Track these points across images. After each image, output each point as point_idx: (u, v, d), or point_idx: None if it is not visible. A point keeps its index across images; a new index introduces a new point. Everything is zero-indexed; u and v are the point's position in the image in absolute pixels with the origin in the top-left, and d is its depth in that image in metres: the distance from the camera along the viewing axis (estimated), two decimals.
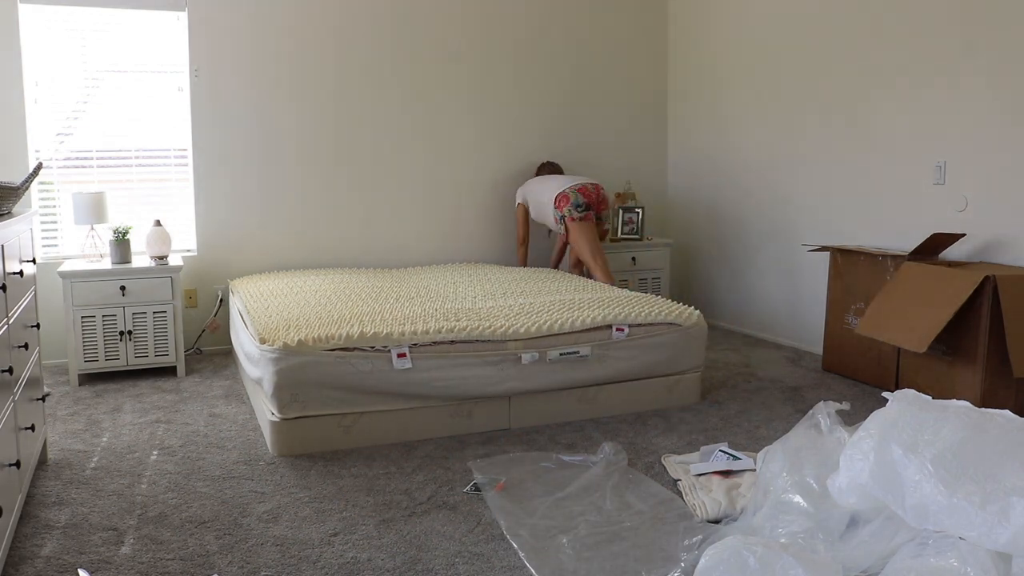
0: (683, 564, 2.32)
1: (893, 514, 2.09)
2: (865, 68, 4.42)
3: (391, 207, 5.26)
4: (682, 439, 3.40)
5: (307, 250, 5.09)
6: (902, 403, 2.19)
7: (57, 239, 4.63)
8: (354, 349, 3.24)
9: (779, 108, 5.01)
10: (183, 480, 2.97)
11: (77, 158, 4.64)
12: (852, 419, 2.88)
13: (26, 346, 2.69)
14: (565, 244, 5.11)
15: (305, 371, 3.16)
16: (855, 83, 4.48)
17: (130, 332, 4.27)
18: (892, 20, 4.25)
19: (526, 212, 5.21)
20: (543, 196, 4.99)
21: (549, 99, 5.60)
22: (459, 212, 5.44)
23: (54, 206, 4.61)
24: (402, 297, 4.07)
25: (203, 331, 4.87)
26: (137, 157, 4.76)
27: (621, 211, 5.50)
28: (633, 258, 5.41)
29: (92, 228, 4.47)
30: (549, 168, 5.35)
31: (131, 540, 2.51)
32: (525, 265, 5.30)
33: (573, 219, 4.82)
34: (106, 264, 4.36)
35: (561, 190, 4.88)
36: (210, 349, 4.88)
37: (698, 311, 3.87)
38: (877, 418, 2.19)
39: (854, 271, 4.21)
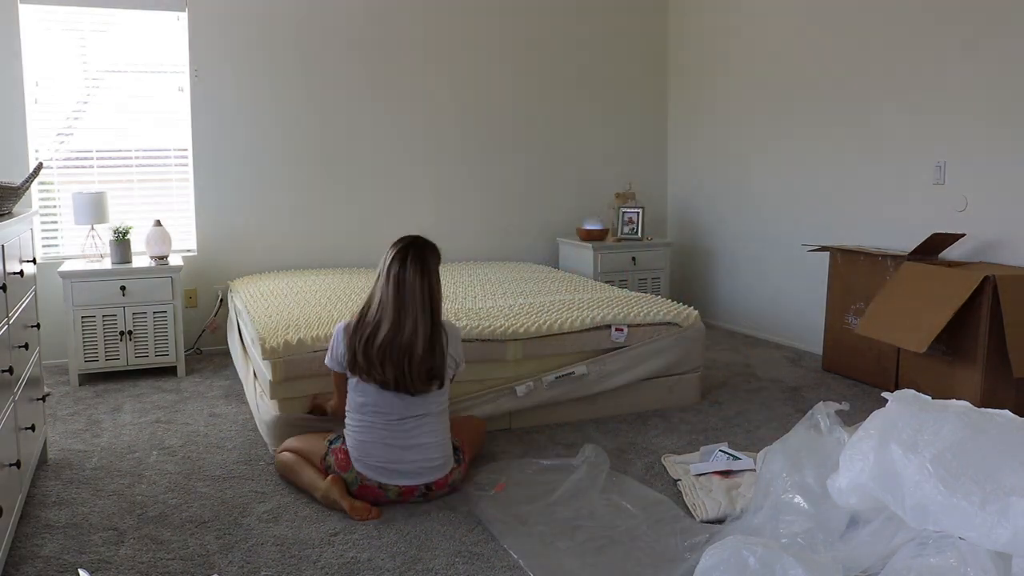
0: (686, 565, 2.31)
1: (893, 514, 2.09)
2: (865, 68, 4.41)
3: (391, 207, 5.25)
4: (682, 439, 3.40)
5: (307, 250, 5.09)
6: (902, 403, 2.19)
7: (57, 239, 4.63)
8: None
9: (779, 108, 5.01)
10: (183, 480, 2.97)
11: (77, 158, 4.64)
12: (852, 419, 2.88)
13: (26, 346, 2.69)
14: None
15: (306, 372, 3.15)
16: (855, 83, 4.48)
17: (130, 332, 4.27)
18: (892, 20, 4.25)
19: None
20: None
21: (549, 98, 5.60)
22: (458, 211, 5.44)
23: (54, 206, 4.61)
24: None
25: (203, 331, 4.87)
26: (137, 157, 4.76)
27: (621, 211, 5.50)
28: (633, 258, 5.41)
29: (92, 228, 4.47)
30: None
31: (131, 540, 2.51)
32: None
33: None
34: (106, 264, 4.36)
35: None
36: (210, 349, 4.88)
37: (697, 311, 3.87)
38: (877, 418, 2.19)
39: (854, 271, 4.21)
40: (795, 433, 2.57)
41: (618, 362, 3.62)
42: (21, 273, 2.70)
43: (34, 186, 4.45)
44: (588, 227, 5.42)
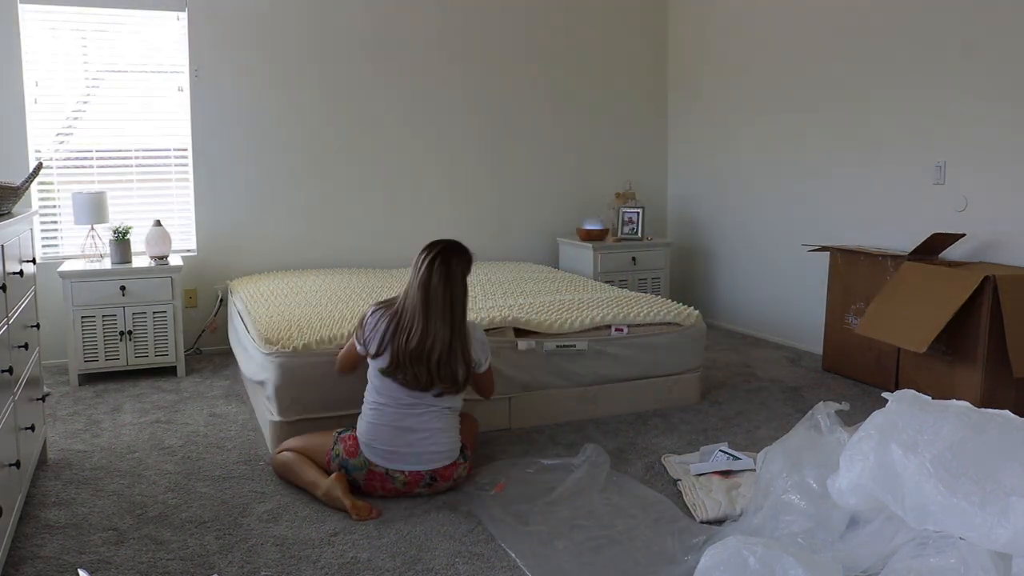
0: (685, 565, 2.31)
1: (893, 514, 2.09)
2: (865, 68, 4.41)
3: (391, 206, 5.25)
4: (682, 439, 3.40)
5: (307, 250, 5.09)
6: (901, 403, 2.19)
7: (57, 239, 4.63)
8: None
9: (779, 108, 5.01)
10: (183, 480, 2.97)
11: (77, 158, 4.64)
12: (852, 419, 2.88)
13: (26, 346, 2.69)
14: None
15: (307, 373, 3.15)
16: (855, 83, 4.48)
17: (130, 332, 4.27)
18: (892, 20, 4.25)
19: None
20: None
21: (549, 97, 5.60)
22: (459, 211, 5.44)
23: (54, 206, 4.61)
24: None
25: (203, 331, 4.87)
26: (137, 157, 4.75)
27: (621, 211, 5.50)
28: (633, 258, 5.41)
29: (92, 228, 4.47)
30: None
31: (131, 540, 2.51)
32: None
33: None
34: (106, 264, 4.36)
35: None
36: (210, 349, 4.88)
37: (697, 311, 3.87)
38: (877, 418, 2.19)
39: (854, 271, 4.21)
40: (795, 433, 2.57)
41: (619, 344, 3.63)
42: (21, 273, 2.70)
43: (34, 186, 4.45)
44: (588, 227, 5.42)
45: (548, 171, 5.66)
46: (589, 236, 5.42)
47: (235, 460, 3.16)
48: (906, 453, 2.03)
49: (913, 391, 2.26)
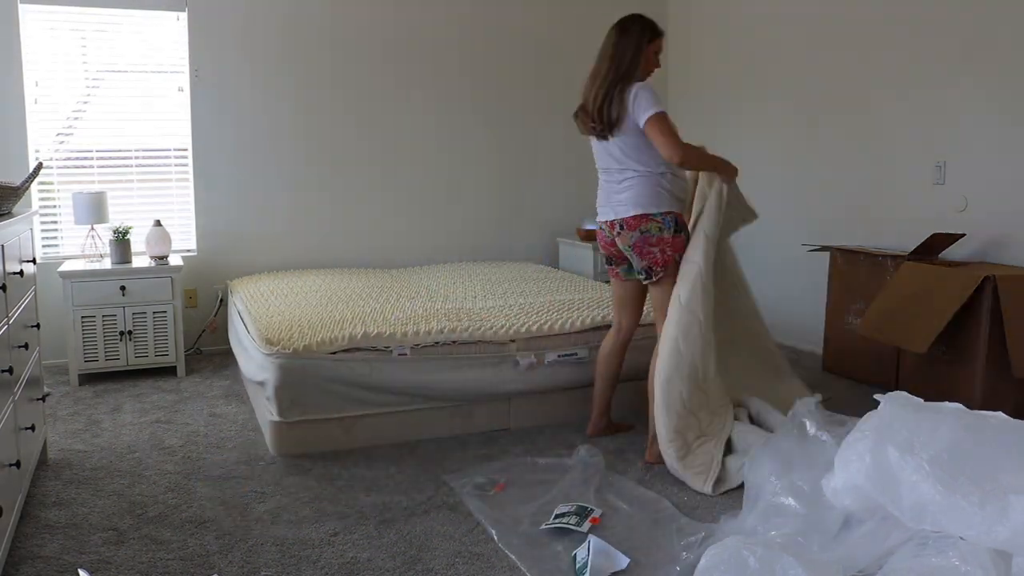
0: (683, 564, 2.31)
1: (888, 515, 2.09)
2: (865, 68, 4.41)
3: (390, 206, 5.26)
4: None
5: (307, 250, 5.09)
6: (895, 405, 2.19)
7: (57, 239, 4.63)
8: (356, 350, 3.24)
9: (779, 108, 5.01)
10: (183, 480, 2.97)
11: (77, 158, 4.64)
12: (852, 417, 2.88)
13: (26, 346, 2.69)
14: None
15: (307, 374, 3.16)
16: (855, 83, 4.48)
17: (130, 332, 4.27)
18: (892, 20, 4.25)
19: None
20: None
21: (549, 98, 5.59)
22: (459, 211, 5.44)
23: (54, 206, 4.61)
24: (403, 297, 4.07)
25: (203, 331, 4.87)
26: (137, 157, 4.76)
27: None
28: None
29: (92, 228, 4.47)
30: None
31: (131, 540, 2.51)
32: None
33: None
34: (106, 264, 4.36)
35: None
36: (210, 349, 4.88)
37: None
38: (871, 420, 2.19)
39: (854, 271, 4.21)
40: (780, 435, 2.58)
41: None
42: (21, 273, 2.70)
43: (34, 186, 4.45)
44: (588, 227, 5.42)
45: (548, 171, 5.66)
46: (589, 236, 5.42)
47: (235, 460, 3.16)
48: (903, 454, 2.03)
49: (905, 393, 2.26)
